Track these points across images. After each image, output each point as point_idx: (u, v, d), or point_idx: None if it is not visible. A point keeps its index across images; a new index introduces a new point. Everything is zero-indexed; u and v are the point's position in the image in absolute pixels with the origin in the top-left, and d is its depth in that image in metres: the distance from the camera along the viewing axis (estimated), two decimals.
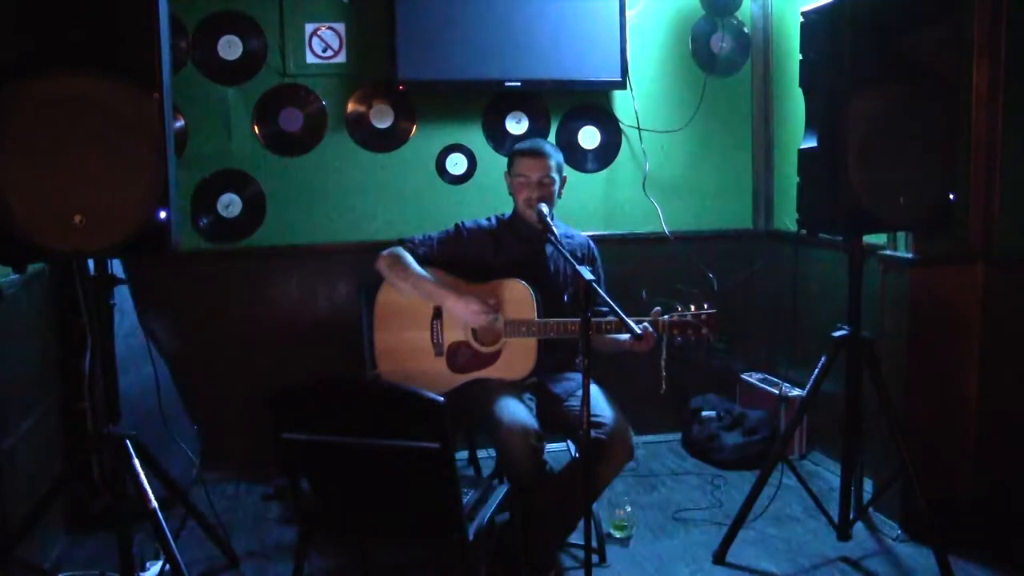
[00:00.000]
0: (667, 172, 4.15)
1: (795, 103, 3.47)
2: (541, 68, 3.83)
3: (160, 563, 2.82)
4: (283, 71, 3.79)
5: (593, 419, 2.72)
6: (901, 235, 3.18)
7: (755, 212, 4.27)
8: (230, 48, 3.73)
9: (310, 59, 3.80)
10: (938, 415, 3.19)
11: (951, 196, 2.82)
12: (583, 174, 4.06)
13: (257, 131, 3.80)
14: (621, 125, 4.09)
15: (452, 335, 2.99)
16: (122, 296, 3.36)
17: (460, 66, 3.77)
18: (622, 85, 3.94)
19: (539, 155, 3.00)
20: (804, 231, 2.88)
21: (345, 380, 2.55)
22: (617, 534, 3.19)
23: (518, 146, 3.11)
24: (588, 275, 2.37)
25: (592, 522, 2.55)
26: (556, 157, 3.04)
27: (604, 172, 4.10)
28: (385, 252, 3.04)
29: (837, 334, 2.91)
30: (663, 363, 2.84)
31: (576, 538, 2.98)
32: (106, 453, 2.55)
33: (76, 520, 3.25)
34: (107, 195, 2.28)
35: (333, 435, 2.22)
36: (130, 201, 2.30)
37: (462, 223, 3.13)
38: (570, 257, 2.65)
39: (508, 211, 3.16)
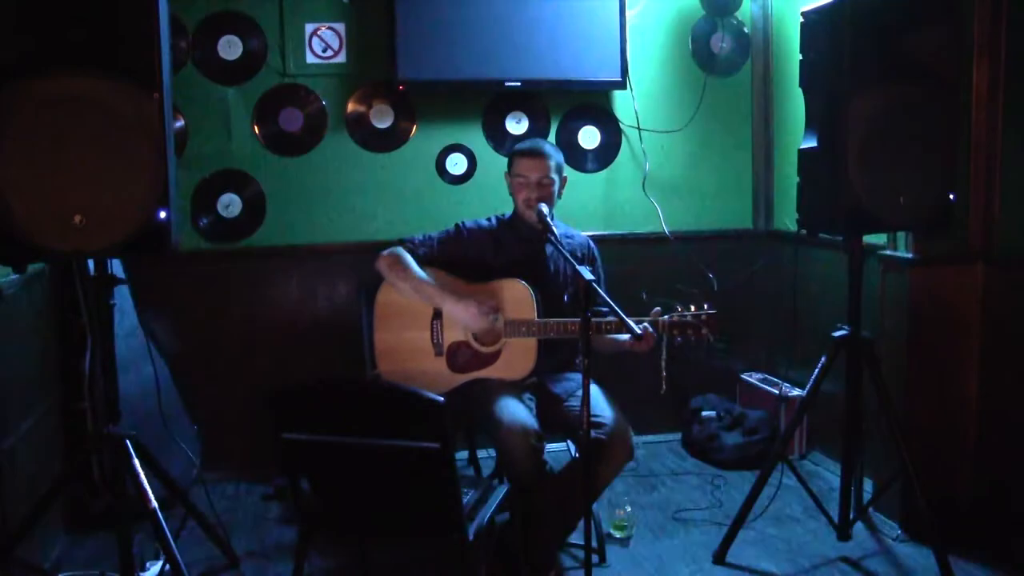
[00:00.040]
0: (667, 172, 4.15)
1: (795, 103, 3.47)
2: (541, 68, 3.83)
3: (160, 563, 2.82)
4: (283, 71, 3.79)
5: (593, 419, 2.72)
6: (901, 235, 3.18)
7: (755, 212, 4.27)
8: (230, 48, 3.73)
9: (310, 59, 3.80)
10: (938, 415, 3.19)
11: (951, 196, 2.82)
12: (583, 174, 4.06)
13: (257, 131, 3.80)
14: (621, 125, 4.09)
15: (452, 335, 2.99)
16: (122, 296, 3.36)
17: (460, 66, 3.77)
18: (622, 85, 3.94)
19: (538, 155, 3.00)
20: (804, 231, 2.88)
21: (345, 380, 2.54)
22: (617, 534, 3.19)
23: (518, 146, 3.11)
24: (588, 275, 2.37)
25: (592, 522, 2.55)
26: (556, 157, 3.04)
27: (604, 172, 4.10)
28: (385, 252, 3.04)
29: (837, 334, 2.91)
30: (663, 363, 2.84)
31: (576, 538, 2.97)
32: (106, 453, 2.55)
33: (76, 520, 3.25)
34: (107, 195, 2.28)
35: (333, 435, 2.22)
36: (130, 201, 2.30)
37: (462, 223, 3.13)
38: (570, 257, 2.65)
39: (508, 211, 3.16)
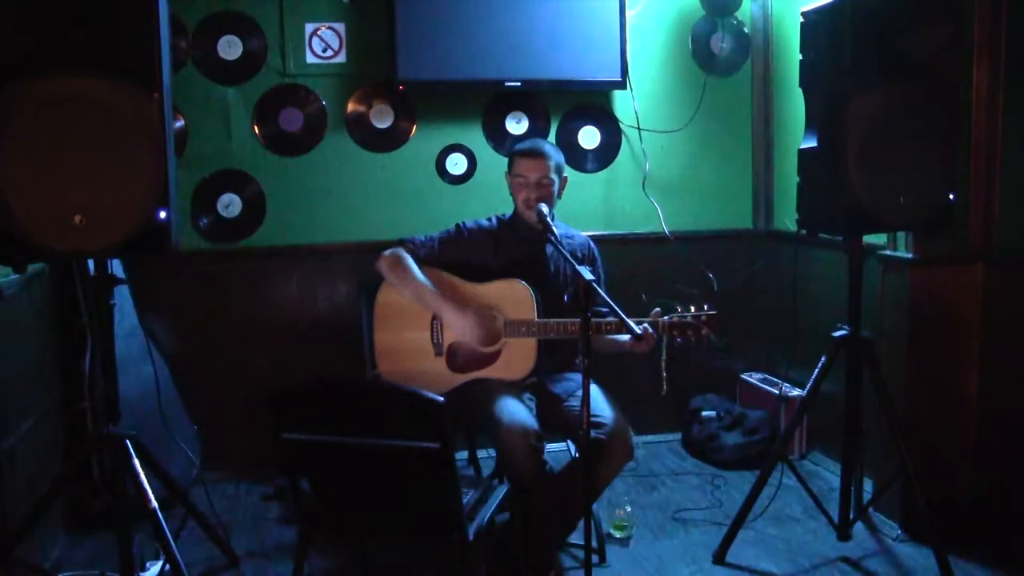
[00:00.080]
0: (667, 172, 4.15)
1: (795, 103, 3.47)
2: (541, 68, 3.83)
3: (160, 563, 2.82)
4: (283, 71, 3.79)
5: (593, 419, 2.72)
6: (901, 235, 3.18)
7: (755, 212, 4.27)
8: (230, 48, 3.74)
9: (310, 59, 3.80)
10: (938, 415, 3.19)
11: (951, 196, 2.82)
12: (583, 174, 4.06)
13: (257, 131, 3.80)
14: (621, 125, 4.09)
15: (452, 335, 2.99)
16: (122, 296, 3.36)
17: (460, 66, 3.77)
18: (622, 85, 3.94)
19: (538, 156, 3.00)
20: (804, 231, 2.88)
21: (345, 380, 2.54)
22: (617, 534, 3.19)
23: (518, 146, 3.11)
24: (588, 275, 2.37)
25: (592, 522, 2.55)
26: (556, 158, 3.03)
27: (604, 172, 4.10)
28: (387, 252, 3.04)
29: (837, 334, 2.91)
30: (663, 364, 2.84)
31: (576, 538, 2.98)
32: (106, 453, 2.55)
33: (76, 520, 3.25)
34: (107, 195, 2.28)
35: (333, 435, 2.22)
36: (130, 201, 2.30)
37: (463, 223, 3.12)
38: (570, 257, 2.65)
39: (509, 211, 3.16)
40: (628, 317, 2.44)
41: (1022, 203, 3.04)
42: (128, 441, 2.52)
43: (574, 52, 3.84)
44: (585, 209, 4.03)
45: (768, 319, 4.21)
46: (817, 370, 2.94)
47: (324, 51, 3.80)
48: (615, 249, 3.76)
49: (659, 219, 4.09)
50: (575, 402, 2.94)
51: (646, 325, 2.74)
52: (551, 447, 3.03)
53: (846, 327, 2.90)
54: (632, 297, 2.93)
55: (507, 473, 2.79)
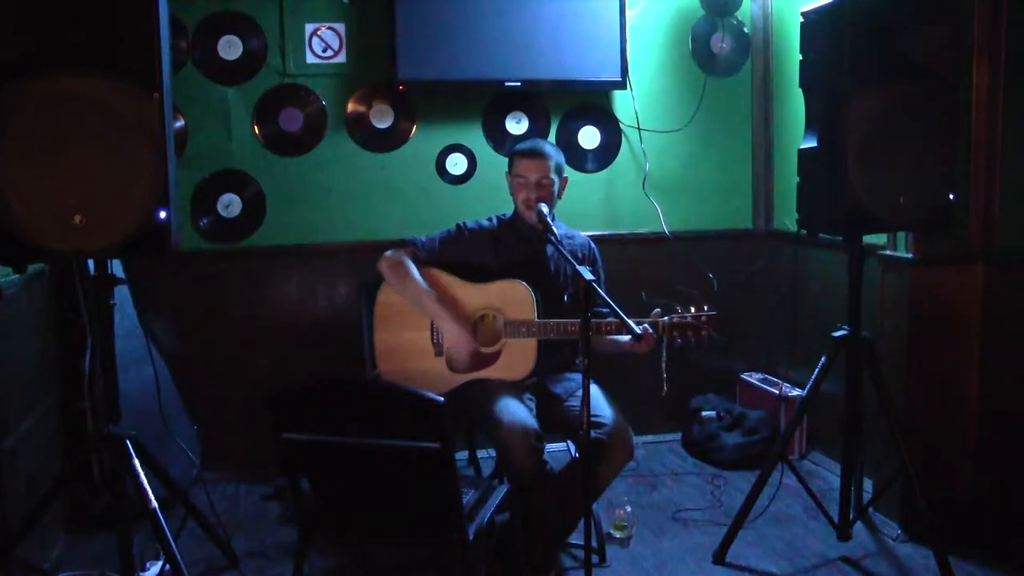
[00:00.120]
0: (667, 172, 4.14)
1: (795, 103, 3.48)
2: (541, 68, 3.83)
3: (160, 563, 2.82)
4: (283, 71, 3.79)
5: (593, 419, 2.72)
6: (901, 235, 3.18)
7: (755, 212, 4.27)
8: (230, 48, 3.73)
9: (310, 59, 3.80)
10: (938, 415, 3.19)
11: (951, 196, 2.82)
12: (583, 174, 4.06)
13: (257, 131, 3.80)
14: (621, 125, 4.09)
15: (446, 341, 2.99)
16: (122, 296, 3.36)
17: (460, 66, 3.77)
18: (622, 85, 3.94)
19: (538, 156, 3.00)
20: (804, 231, 2.88)
21: (345, 380, 2.55)
22: (617, 534, 3.19)
23: (518, 147, 3.11)
24: (588, 275, 2.37)
25: (592, 522, 2.55)
26: (556, 158, 3.03)
27: (604, 172, 4.10)
28: (388, 253, 3.04)
29: (837, 334, 2.91)
30: (664, 364, 2.84)
31: (576, 538, 2.97)
32: (106, 453, 2.56)
33: (76, 520, 3.25)
34: (107, 195, 2.28)
35: (333, 435, 2.22)
36: (130, 201, 2.30)
37: (463, 223, 3.12)
38: (570, 257, 2.65)
39: (509, 211, 3.16)
40: (628, 317, 2.44)
41: (1022, 203, 3.04)
42: (128, 441, 2.52)
43: (574, 52, 3.84)
44: (585, 209, 4.03)
45: (768, 319, 4.21)
46: (817, 370, 2.94)
47: (324, 51, 3.80)
48: (615, 249, 3.76)
49: (659, 219, 4.09)
50: (575, 402, 2.94)
51: (646, 325, 2.74)
52: (551, 447, 3.03)
53: (846, 327, 2.90)
54: (632, 297, 2.93)
55: (507, 473, 2.79)
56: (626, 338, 2.78)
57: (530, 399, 2.95)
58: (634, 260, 3.99)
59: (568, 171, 3.16)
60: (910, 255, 3.14)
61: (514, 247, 3.08)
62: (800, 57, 2.84)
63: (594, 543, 2.86)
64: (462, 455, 3.49)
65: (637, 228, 4.12)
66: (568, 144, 4.01)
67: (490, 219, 3.15)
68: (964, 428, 3.20)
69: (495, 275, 3.00)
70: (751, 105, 4.21)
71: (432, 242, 3.08)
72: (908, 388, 3.16)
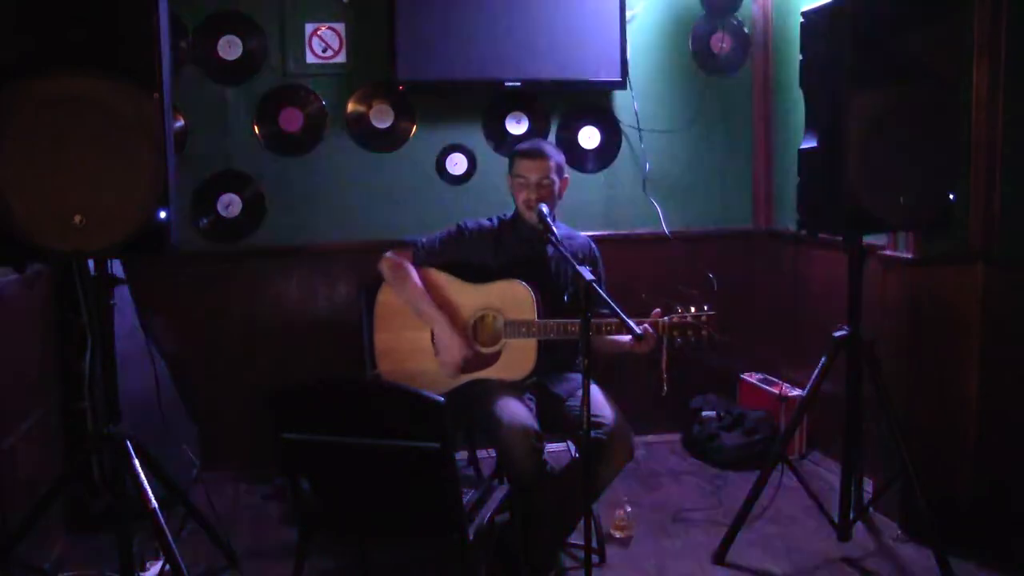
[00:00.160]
0: (667, 172, 4.14)
1: (795, 103, 3.48)
2: (541, 68, 3.83)
3: (160, 563, 2.82)
4: (283, 71, 3.79)
5: (593, 419, 2.72)
6: (901, 235, 3.18)
7: (755, 212, 4.27)
8: (230, 48, 3.74)
9: (310, 59, 3.80)
10: (938, 415, 3.19)
11: (951, 196, 2.82)
12: (583, 174, 4.06)
13: (257, 131, 3.80)
14: (621, 125, 4.09)
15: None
16: (122, 296, 3.36)
17: (460, 66, 3.77)
18: (622, 85, 3.94)
19: (538, 156, 3.00)
20: (804, 231, 2.88)
21: (345, 380, 2.55)
22: (617, 534, 3.19)
23: (518, 147, 3.11)
24: (588, 275, 2.37)
25: (592, 522, 2.55)
26: (556, 158, 3.03)
27: (604, 172, 4.10)
28: (389, 253, 3.05)
29: (837, 334, 2.91)
30: (664, 364, 2.84)
31: (576, 538, 2.97)
32: (106, 453, 2.55)
33: (76, 520, 3.24)
34: (107, 195, 2.27)
35: (333, 435, 2.22)
36: (130, 201, 2.30)
37: (464, 223, 3.13)
38: (570, 257, 2.64)
39: (509, 211, 3.16)
40: (628, 317, 2.44)
41: (1022, 203, 3.04)
42: (128, 441, 2.51)
43: (574, 52, 3.84)
44: (585, 209, 4.03)
45: (768, 319, 4.21)
46: (817, 370, 2.94)
47: (324, 51, 3.80)
48: (615, 249, 3.75)
49: (659, 219, 4.09)
50: (575, 402, 2.94)
51: (646, 325, 2.74)
52: (551, 447, 3.03)
53: (846, 327, 2.90)
54: (632, 297, 2.93)
55: (507, 473, 2.79)
56: (626, 338, 2.78)
57: (530, 399, 2.95)
58: (634, 260, 3.99)
59: (568, 171, 3.16)
60: (910, 255, 3.14)
61: (514, 247, 3.08)
62: (800, 57, 2.84)
63: (594, 543, 2.85)
64: (462, 455, 3.49)
65: (637, 228, 4.12)
66: (568, 144, 4.01)
67: (491, 219, 3.15)
68: (964, 428, 3.20)
69: (495, 275, 3.00)
70: (751, 105, 4.21)
71: (433, 242, 3.08)
72: (908, 388, 3.16)
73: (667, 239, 4.09)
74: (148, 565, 2.87)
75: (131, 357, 3.28)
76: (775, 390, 3.99)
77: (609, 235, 4.00)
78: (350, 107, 3.86)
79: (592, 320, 2.53)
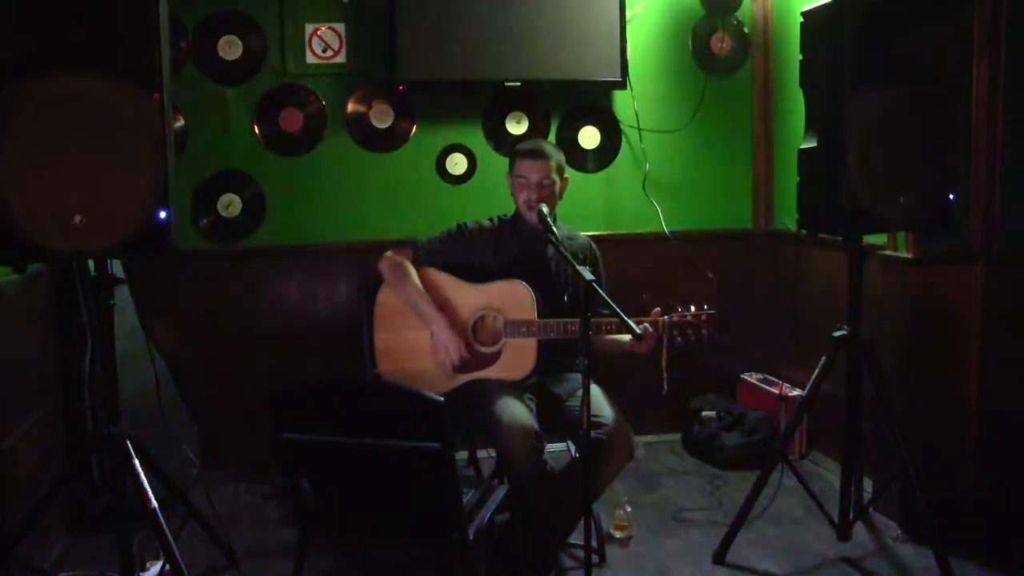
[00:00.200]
0: (667, 172, 4.14)
1: (795, 103, 3.47)
2: (541, 68, 3.83)
3: (160, 563, 2.82)
4: (283, 71, 3.79)
5: (593, 419, 2.72)
6: (901, 235, 3.18)
7: (755, 212, 4.27)
8: (230, 48, 3.74)
9: (310, 59, 3.80)
10: (938, 415, 3.19)
11: (951, 196, 2.82)
12: (583, 174, 4.06)
13: (257, 131, 3.80)
14: (621, 125, 4.09)
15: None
16: (122, 296, 3.36)
17: (460, 66, 3.77)
18: (622, 85, 3.94)
19: (539, 156, 3.00)
20: (804, 231, 2.88)
21: (345, 380, 2.55)
22: (617, 534, 3.19)
23: (519, 147, 3.11)
24: (588, 275, 2.37)
25: (592, 522, 2.55)
26: (557, 158, 3.03)
27: (604, 172, 4.10)
28: (389, 253, 3.05)
29: (837, 334, 2.91)
30: (664, 364, 2.84)
31: (576, 538, 2.97)
32: (106, 453, 2.55)
33: (76, 520, 3.24)
34: (107, 195, 2.28)
35: (333, 435, 2.22)
36: (130, 201, 2.30)
37: (464, 223, 3.13)
38: (570, 257, 2.64)
39: (509, 211, 3.16)
40: (628, 317, 2.44)
41: (1022, 203, 3.04)
42: (128, 441, 2.52)
43: (574, 52, 3.84)
44: (585, 209, 4.03)
45: (768, 319, 4.21)
46: (817, 370, 2.94)
47: (324, 51, 3.80)
48: (615, 249, 3.75)
49: (659, 219, 4.09)
50: (575, 402, 2.94)
51: (646, 325, 2.74)
52: (551, 447, 3.03)
53: (846, 327, 2.90)
54: (632, 297, 2.93)
55: (507, 473, 2.79)
56: (626, 338, 2.78)
57: (530, 399, 2.95)
58: (634, 260, 3.99)
59: (568, 171, 3.16)
60: (910, 255, 3.14)
61: (515, 247, 3.08)
62: (800, 57, 2.84)
63: (594, 543, 2.85)
64: (462, 455, 3.49)
65: (637, 228, 4.12)
66: (568, 144, 4.01)
67: (491, 219, 3.15)
68: (964, 428, 3.19)
69: (495, 275, 3.00)
70: (751, 105, 4.21)
71: (433, 242, 3.08)
72: (908, 388, 3.16)
73: (667, 239, 4.09)
74: (148, 565, 2.86)
75: (131, 357, 3.28)
76: (775, 390, 3.99)
77: (609, 235, 4.00)
78: (350, 107, 3.86)
79: (592, 320, 2.53)
